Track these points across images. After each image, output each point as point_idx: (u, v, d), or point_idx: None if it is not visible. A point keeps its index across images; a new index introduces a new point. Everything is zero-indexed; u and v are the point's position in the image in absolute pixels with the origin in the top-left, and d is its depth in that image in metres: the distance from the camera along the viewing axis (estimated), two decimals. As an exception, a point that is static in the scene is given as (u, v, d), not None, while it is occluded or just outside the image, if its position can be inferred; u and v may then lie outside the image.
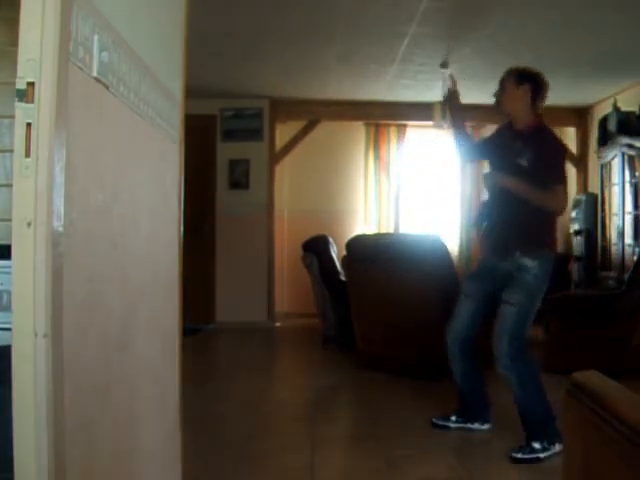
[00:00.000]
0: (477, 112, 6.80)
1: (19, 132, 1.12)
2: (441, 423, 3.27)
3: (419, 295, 4.35)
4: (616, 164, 6.16)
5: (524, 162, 2.98)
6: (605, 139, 6.33)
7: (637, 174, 5.86)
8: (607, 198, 6.49)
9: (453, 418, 3.27)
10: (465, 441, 3.08)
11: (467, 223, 7.44)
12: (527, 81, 3.02)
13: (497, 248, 3.12)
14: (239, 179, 7.03)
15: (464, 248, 7.46)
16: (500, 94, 3.10)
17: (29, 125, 1.12)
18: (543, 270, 2.98)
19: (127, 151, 1.60)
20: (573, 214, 6.94)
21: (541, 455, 2.82)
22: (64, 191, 1.17)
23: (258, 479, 2.71)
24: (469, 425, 3.24)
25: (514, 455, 2.83)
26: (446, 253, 4.57)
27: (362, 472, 2.78)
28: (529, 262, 2.95)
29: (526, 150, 2.97)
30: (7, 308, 1.37)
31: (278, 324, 7.08)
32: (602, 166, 6.55)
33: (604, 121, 6.37)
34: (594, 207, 6.70)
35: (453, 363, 3.23)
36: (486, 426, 3.23)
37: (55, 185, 1.14)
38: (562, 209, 3.04)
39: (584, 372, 1.28)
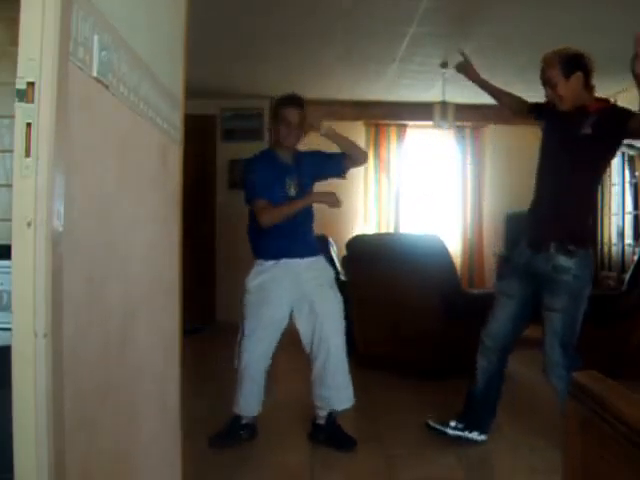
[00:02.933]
0: (477, 112, 6.82)
1: (19, 132, 1.12)
2: (438, 427, 3.05)
3: (419, 295, 4.35)
4: (616, 164, 6.17)
5: (587, 130, 2.68)
6: (605, 139, 6.33)
7: (637, 174, 5.86)
8: (607, 198, 6.50)
9: (452, 424, 3.03)
10: (464, 441, 3.07)
11: None
12: (577, 68, 2.70)
13: (532, 237, 2.82)
14: (239, 179, 7.03)
15: (468, 247, 7.45)
16: (552, 92, 2.74)
17: (29, 125, 1.12)
18: (582, 269, 2.72)
19: (127, 151, 1.60)
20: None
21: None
22: (64, 191, 1.17)
23: (258, 479, 2.71)
24: (467, 434, 3.01)
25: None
26: (446, 253, 4.57)
27: (362, 472, 2.78)
28: (565, 261, 2.70)
29: (589, 118, 2.70)
30: (7, 308, 1.37)
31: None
32: (602, 166, 6.55)
33: (604, 121, 6.36)
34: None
35: (483, 368, 2.97)
36: (483, 437, 3.02)
37: (55, 185, 1.14)
38: None
39: (584, 372, 1.28)
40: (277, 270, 3.02)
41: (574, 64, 2.71)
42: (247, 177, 3.08)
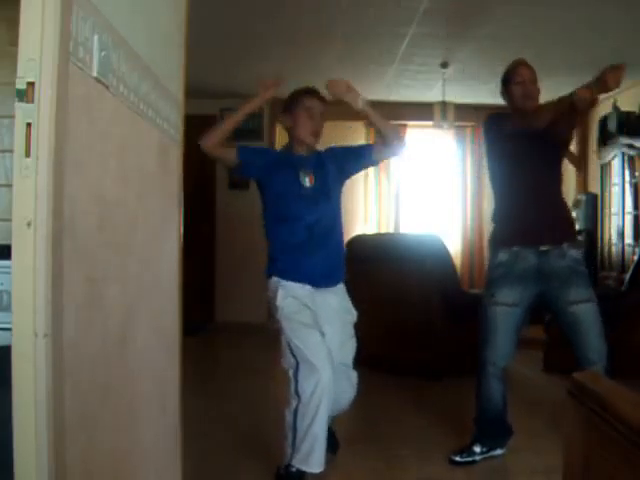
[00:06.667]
0: (477, 112, 6.82)
1: (19, 132, 1.12)
2: (466, 460, 2.84)
3: (419, 295, 4.35)
4: (616, 164, 6.17)
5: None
6: (605, 139, 6.33)
7: (637, 174, 5.86)
8: (607, 198, 6.50)
9: (477, 450, 2.85)
10: (464, 442, 3.07)
11: None
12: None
13: (538, 237, 2.73)
14: (239, 179, 7.03)
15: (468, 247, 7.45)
16: (528, 104, 2.78)
17: (29, 125, 1.12)
18: (583, 257, 2.81)
19: (127, 151, 1.60)
20: (573, 214, 6.95)
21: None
22: (64, 191, 1.17)
23: (258, 479, 2.71)
24: (492, 453, 2.88)
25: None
26: (446, 253, 4.57)
27: (361, 472, 2.78)
28: (577, 254, 2.74)
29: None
30: (7, 308, 1.37)
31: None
32: (602, 166, 6.55)
33: (604, 121, 6.37)
34: (594, 207, 6.70)
35: (493, 386, 2.80)
36: (503, 450, 2.91)
37: (55, 185, 1.14)
38: None
39: (584, 372, 1.28)
40: (308, 297, 2.62)
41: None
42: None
